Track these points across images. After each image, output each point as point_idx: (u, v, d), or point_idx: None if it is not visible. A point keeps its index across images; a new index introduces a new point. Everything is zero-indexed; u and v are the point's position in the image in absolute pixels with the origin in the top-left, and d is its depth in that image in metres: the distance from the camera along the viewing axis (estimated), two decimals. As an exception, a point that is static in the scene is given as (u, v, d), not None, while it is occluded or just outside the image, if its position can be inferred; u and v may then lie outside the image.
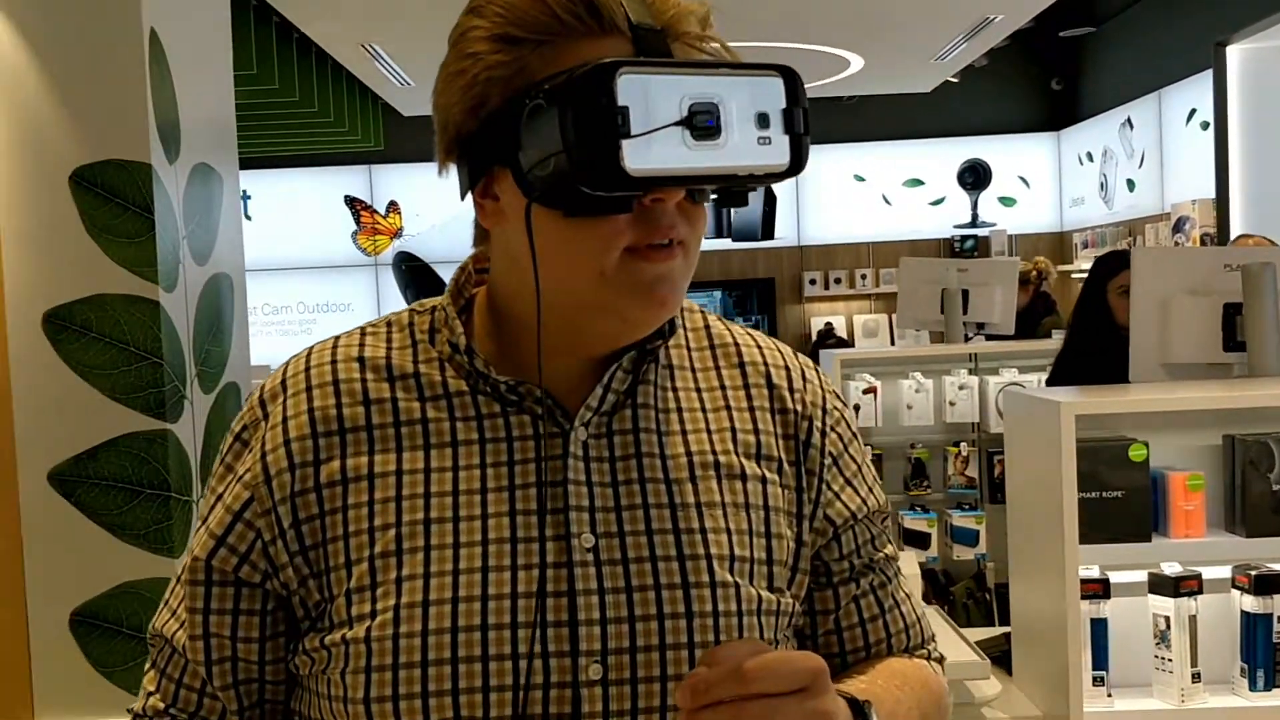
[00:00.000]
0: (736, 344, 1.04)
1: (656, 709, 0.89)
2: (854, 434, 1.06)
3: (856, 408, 4.52)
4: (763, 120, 0.85)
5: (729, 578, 0.92)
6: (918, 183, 9.97)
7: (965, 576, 4.34)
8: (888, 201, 9.98)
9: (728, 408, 0.99)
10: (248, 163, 8.53)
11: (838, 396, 1.06)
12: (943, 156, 9.90)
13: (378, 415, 0.93)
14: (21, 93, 4.01)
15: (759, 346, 1.05)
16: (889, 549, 1.06)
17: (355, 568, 0.89)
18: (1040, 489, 2.22)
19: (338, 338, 0.99)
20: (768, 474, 0.98)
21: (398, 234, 9.76)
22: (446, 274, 8.73)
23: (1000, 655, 2.53)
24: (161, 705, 0.98)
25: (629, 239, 0.87)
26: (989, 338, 5.02)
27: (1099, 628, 2.23)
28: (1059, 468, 2.13)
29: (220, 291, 4.51)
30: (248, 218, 9.29)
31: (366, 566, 0.89)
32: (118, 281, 4.01)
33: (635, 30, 0.87)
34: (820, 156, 9.83)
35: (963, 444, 4.49)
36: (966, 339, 4.90)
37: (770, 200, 10.15)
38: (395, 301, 9.76)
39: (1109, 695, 2.23)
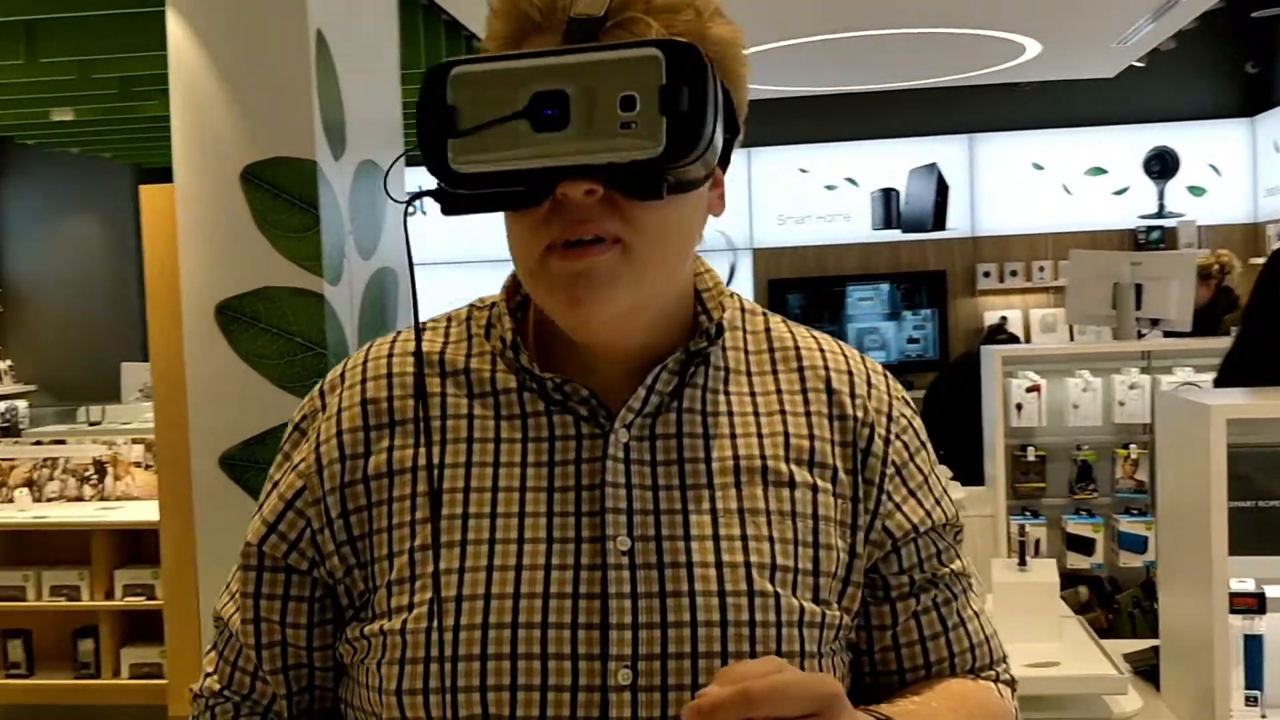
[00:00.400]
0: (797, 347, 1.00)
1: None
2: (923, 443, 1.01)
3: (1019, 406, 4.38)
4: (627, 103, 0.80)
5: (769, 587, 0.89)
6: (1100, 171, 9.59)
7: (1132, 584, 4.16)
8: (1068, 191, 9.62)
9: (782, 412, 0.96)
10: (420, 160, 8.77)
11: (907, 403, 1.02)
12: (1127, 144, 9.48)
13: (425, 411, 0.93)
14: (197, 94, 4.21)
15: (821, 350, 1.01)
16: (957, 564, 1.00)
17: (396, 560, 0.90)
18: (1190, 496, 2.11)
19: (399, 332, 0.99)
20: (820, 482, 0.94)
21: (567, 227, 9.91)
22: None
23: (1149, 669, 2.41)
24: (217, 686, 1.00)
25: (549, 236, 0.85)
26: (1166, 334, 4.80)
27: (1253, 644, 2.10)
28: (1208, 474, 2.02)
29: (384, 285, 4.65)
30: (423, 213, 9.54)
31: (406, 559, 0.89)
32: (285, 275, 4.17)
33: (570, 22, 0.84)
34: (995, 144, 9.55)
35: (1132, 446, 4.30)
36: (1140, 335, 4.69)
37: (942, 190, 9.91)
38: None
39: (1263, 716, 2.11)
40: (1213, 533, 2.01)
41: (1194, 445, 2.09)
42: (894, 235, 9.65)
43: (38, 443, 5.24)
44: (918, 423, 1.02)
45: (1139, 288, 4.65)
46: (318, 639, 0.96)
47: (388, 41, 5.02)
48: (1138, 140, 9.46)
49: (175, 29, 4.21)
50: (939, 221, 9.68)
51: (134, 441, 5.13)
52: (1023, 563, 2.36)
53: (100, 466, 4.99)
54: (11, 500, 4.83)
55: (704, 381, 0.95)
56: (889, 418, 0.98)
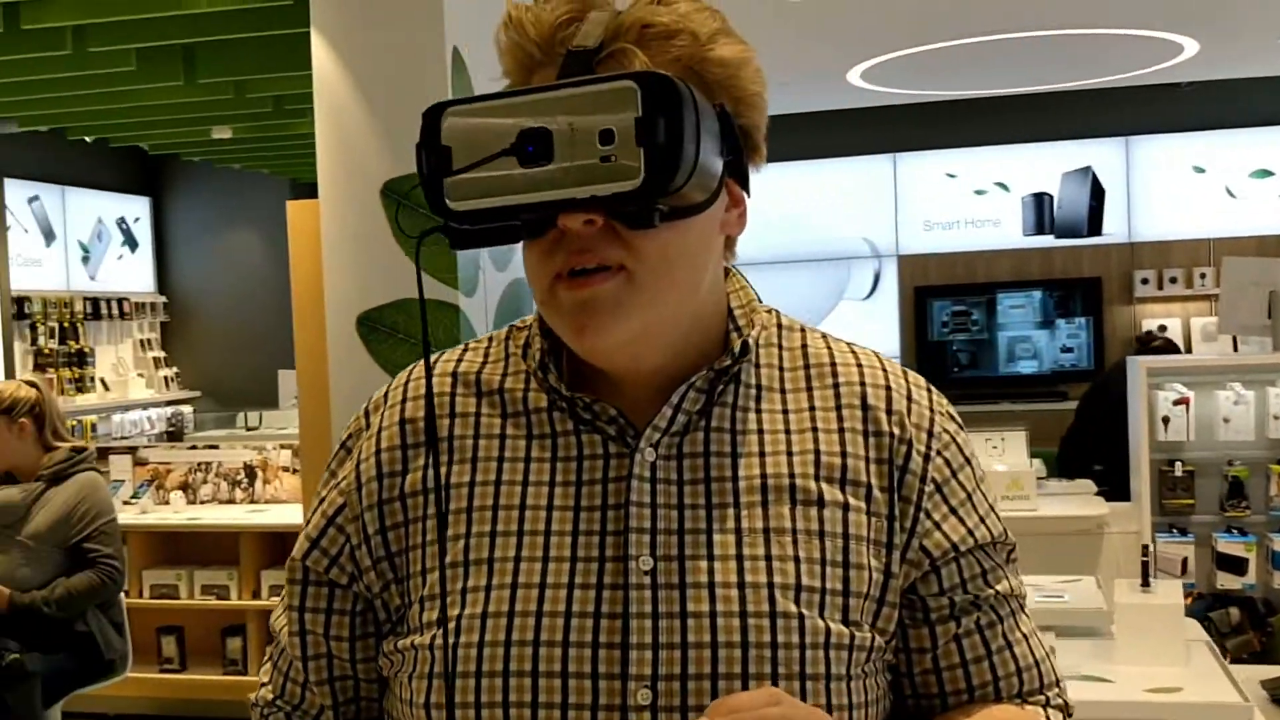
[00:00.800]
0: (833, 363, 0.98)
1: None
2: (966, 459, 0.98)
3: (1165, 420, 4.22)
4: (606, 137, 0.81)
5: (792, 608, 0.88)
6: (1266, 174, 9.17)
7: (1287, 606, 3.97)
8: (1231, 194, 9.23)
9: (814, 430, 0.94)
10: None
11: (952, 418, 0.99)
12: (1296, 145, 9.06)
13: (460, 428, 0.95)
14: (340, 112, 4.35)
15: (859, 365, 0.99)
16: (1005, 584, 0.97)
17: (428, 575, 0.92)
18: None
19: (443, 352, 1.02)
20: (851, 500, 0.92)
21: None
22: (751, 275, 8.81)
23: (1287, 698, 2.30)
24: (270, 696, 1.03)
25: (555, 266, 0.87)
26: (1328, 345, 4.56)
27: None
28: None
29: (520, 296, 4.73)
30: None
31: (437, 575, 0.91)
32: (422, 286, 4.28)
33: (567, 55, 0.86)
34: (1154, 146, 9.22)
35: (1288, 461, 4.10)
36: (1300, 346, 4.47)
37: (1097, 194, 9.61)
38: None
39: None
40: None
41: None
42: (1047, 241, 9.39)
43: (193, 447, 5.48)
44: (963, 438, 0.99)
45: (1299, 296, 4.43)
46: (360, 651, 0.98)
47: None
48: (1309, 140, 9.03)
49: (319, 50, 4.36)
50: (1094, 227, 9.39)
51: (282, 447, 5.32)
52: (1146, 583, 2.27)
53: (250, 471, 5.20)
54: (168, 502, 5.06)
55: (734, 400, 0.94)
56: (930, 433, 0.96)
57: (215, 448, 5.40)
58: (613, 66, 0.86)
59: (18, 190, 8.42)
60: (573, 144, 0.81)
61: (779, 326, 1.00)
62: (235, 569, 4.87)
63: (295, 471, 5.16)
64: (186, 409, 9.55)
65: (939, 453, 0.96)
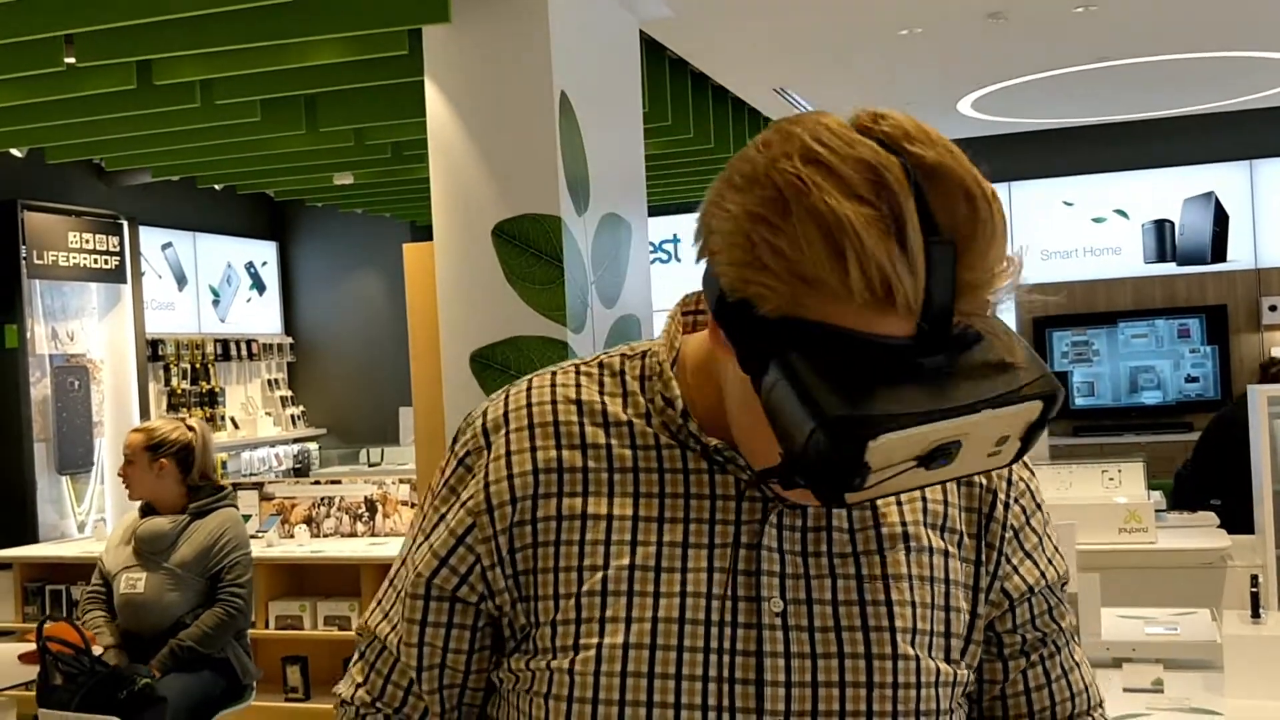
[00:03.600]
0: None
1: None
2: (1038, 505, 1.04)
3: (1289, 449, 4.11)
4: (1000, 441, 0.85)
5: (910, 650, 0.95)
6: (1400, 195, 8.86)
7: None
8: (1363, 217, 8.94)
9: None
10: (666, 209, 8.96)
11: (1026, 466, 1.04)
12: None
13: (593, 459, 0.98)
14: (453, 157, 4.49)
15: None
16: (1066, 619, 1.05)
17: (563, 601, 0.96)
18: None
19: (554, 374, 1.04)
20: (950, 547, 0.99)
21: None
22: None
23: None
24: (368, 698, 1.06)
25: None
26: None
27: None
28: None
29: (628, 332, 4.80)
30: (677, 259, 9.72)
31: (573, 602, 0.95)
32: (532, 324, 4.38)
33: (924, 320, 0.83)
34: (1278, 170, 8.96)
35: None
36: None
37: (1221, 219, 9.37)
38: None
39: None
40: None
41: None
42: (1169, 269, 9.19)
43: (316, 482, 5.66)
44: (1035, 484, 1.05)
45: None
46: (475, 664, 1.02)
47: (631, 96, 5.20)
48: None
49: (433, 97, 4.52)
50: (1219, 253, 9.16)
51: (401, 481, 5.46)
52: (1256, 615, 2.23)
53: (371, 505, 5.35)
54: (292, 536, 5.23)
55: None
56: (1009, 482, 1.03)
57: (338, 483, 5.57)
58: (961, 319, 0.85)
59: (152, 237, 8.79)
60: (972, 449, 0.85)
61: None
62: (357, 600, 5.00)
63: (413, 505, 5.30)
64: (312, 446, 9.85)
65: (1016, 500, 1.02)
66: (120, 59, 4.69)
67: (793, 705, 0.92)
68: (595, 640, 0.93)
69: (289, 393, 10.19)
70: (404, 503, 5.35)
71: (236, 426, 9.40)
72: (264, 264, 10.19)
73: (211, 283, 9.55)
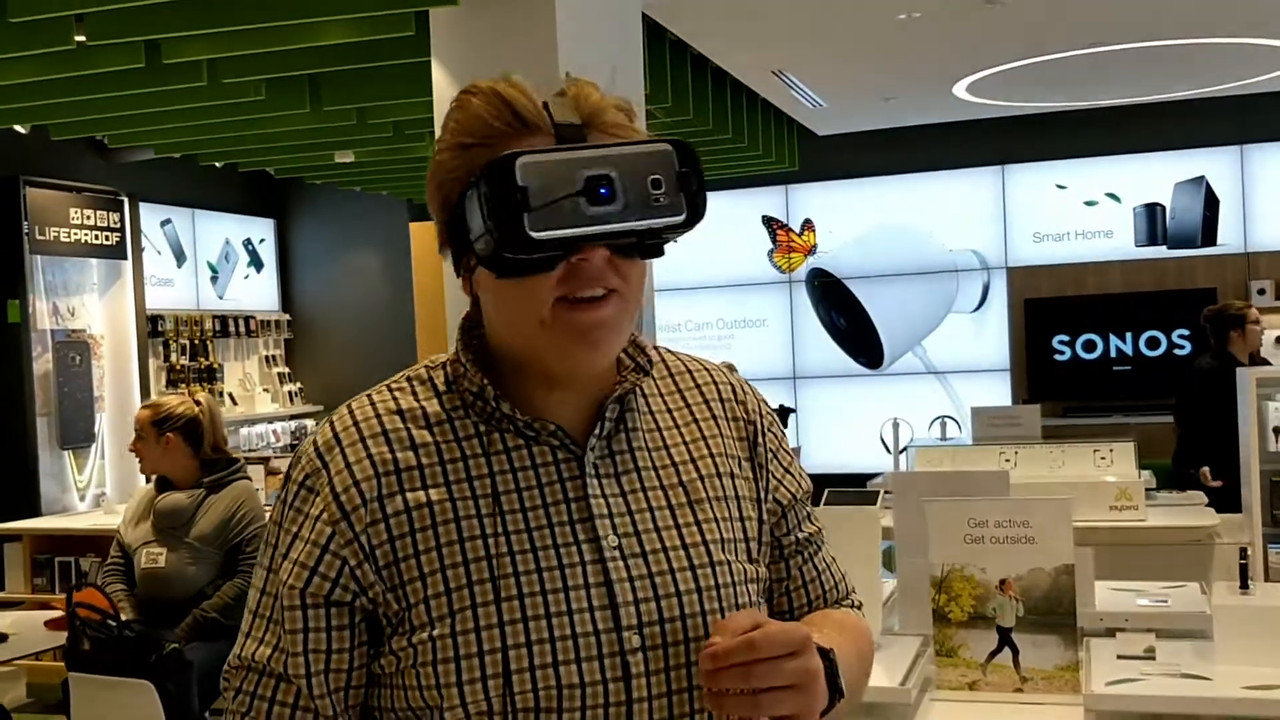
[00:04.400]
0: (689, 370, 1.26)
1: (684, 665, 1.10)
2: (782, 432, 1.29)
3: (1276, 430, 4.22)
4: (655, 184, 1.04)
5: (724, 557, 1.16)
6: (1388, 180, 8.97)
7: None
8: (1352, 202, 9.04)
9: (695, 421, 1.22)
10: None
11: (765, 403, 1.29)
12: None
13: (425, 456, 1.12)
14: (459, 137, 4.55)
15: (707, 369, 1.27)
16: (815, 524, 1.30)
17: (430, 579, 1.08)
18: None
19: (369, 395, 1.17)
20: (735, 469, 1.21)
21: (812, 251, 9.96)
22: (858, 288, 8.76)
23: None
24: None
25: (560, 292, 1.06)
26: None
27: None
28: None
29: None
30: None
31: (440, 577, 1.08)
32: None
33: (557, 127, 1.08)
34: (1269, 155, 9.06)
35: (1405, 472, 4.06)
36: None
37: (1211, 204, 9.47)
38: (808, 315, 9.97)
39: None
40: None
41: None
42: (1159, 252, 9.29)
43: (321, 458, 5.73)
44: (774, 416, 1.29)
45: None
46: (357, 659, 1.11)
47: (634, 79, 5.26)
48: None
49: (439, 78, 4.58)
50: (1208, 237, 9.26)
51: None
52: (1244, 586, 2.33)
53: (374, 480, 5.43)
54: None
55: (636, 405, 1.19)
56: (761, 415, 1.27)
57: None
58: (597, 137, 1.09)
59: (151, 214, 8.84)
60: (628, 189, 1.03)
61: (650, 347, 1.24)
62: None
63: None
64: (309, 422, 9.91)
65: (769, 429, 1.27)
66: (130, 38, 4.74)
67: (643, 617, 1.10)
68: (468, 603, 1.07)
69: (286, 369, 10.26)
70: (408, 478, 5.44)
71: (235, 402, 9.47)
72: (261, 241, 10.24)
73: (210, 259, 9.61)
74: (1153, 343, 9.24)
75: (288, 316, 10.40)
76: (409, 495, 1.10)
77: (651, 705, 1.09)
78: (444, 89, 4.58)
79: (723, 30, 6.23)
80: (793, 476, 1.27)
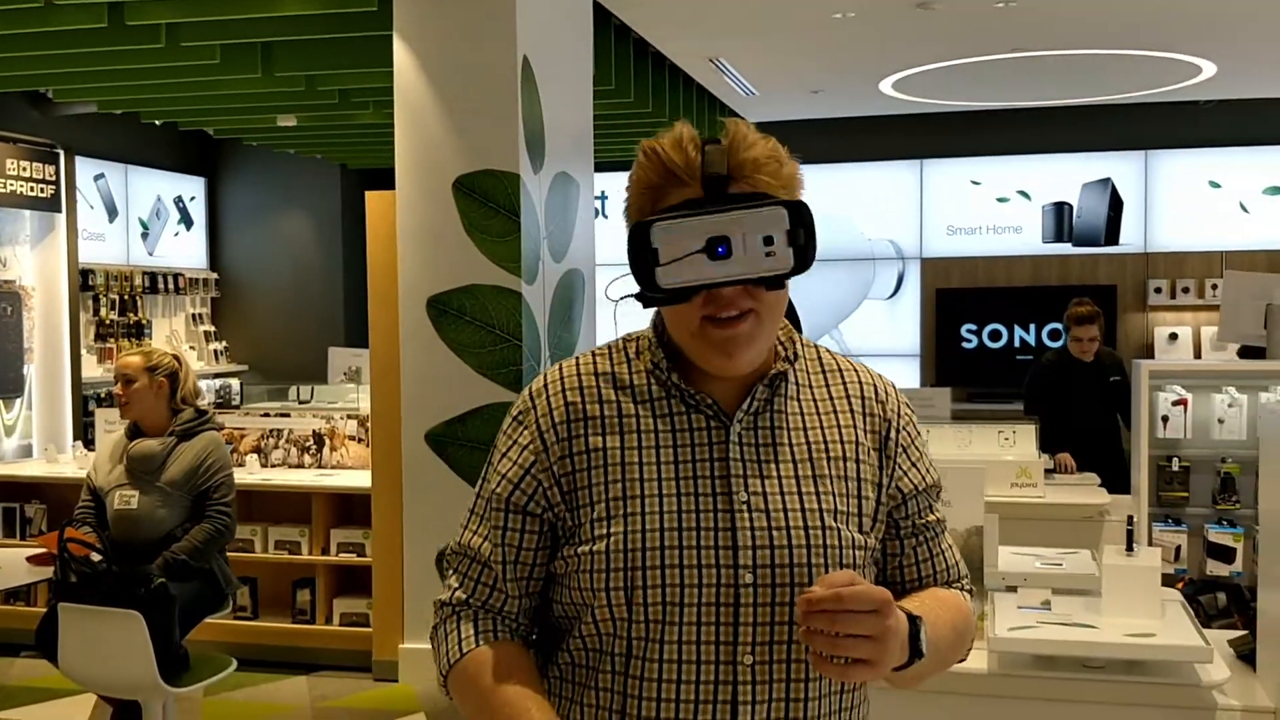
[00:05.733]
0: (840, 369, 1.52)
1: (786, 604, 1.35)
2: (917, 431, 1.53)
3: (1165, 419, 4.59)
4: (768, 240, 1.32)
5: (834, 524, 1.40)
6: (1279, 190, 9.51)
7: (1268, 592, 4.33)
8: (1245, 209, 9.57)
9: (835, 411, 1.47)
10: (605, 166, 9.25)
11: (907, 406, 1.53)
12: (1311, 163, 9.37)
13: (607, 410, 1.43)
14: (417, 112, 4.76)
15: (855, 370, 1.52)
16: (938, 513, 1.53)
17: (596, 506, 1.39)
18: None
19: (579, 356, 1.50)
20: (861, 456, 1.46)
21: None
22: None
23: (1249, 653, 2.69)
24: (463, 597, 1.46)
25: (705, 312, 1.36)
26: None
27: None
28: (1294, 477, 2.30)
29: (574, 285, 5.13)
30: (605, 216, 10.03)
31: (603, 506, 1.39)
32: (488, 274, 4.69)
33: (705, 180, 1.35)
34: (1171, 161, 9.55)
35: (1276, 461, 4.45)
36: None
37: (1115, 205, 9.96)
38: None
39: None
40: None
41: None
42: (1065, 249, 9.74)
43: (266, 414, 5.90)
44: (914, 417, 1.53)
45: (1293, 309, 4.79)
46: (540, 558, 1.44)
47: (583, 61, 5.50)
48: (1320, 160, 9.34)
49: (401, 54, 4.77)
50: (1111, 236, 9.73)
51: (349, 417, 5.73)
52: (1130, 549, 2.66)
53: (319, 438, 5.61)
54: (243, 465, 5.47)
55: (785, 391, 1.45)
56: (898, 415, 1.50)
57: (286, 416, 5.82)
58: (741, 187, 1.36)
59: (85, 168, 8.84)
60: (744, 246, 1.32)
61: (803, 344, 1.52)
62: (306, 527, 5.27)
63: (361, 440, 5.57)
64: (234, 381, 9.99)
65: (903, 428, 1.50)
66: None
67: (758, 560, 1.36)
68: (622, 528, 1.37)
69: (212, 328, 10.31)
70: (351, 437, 5.62)
71: (162, 359, 9.50)
72: (192, 199, 10.26)
73: (141, 215, 9.62)
74: (1055, 334, 9.69)
75: (215, 275, 10.44)
76: (590, 439, 1.41)
77: (755, 630, 1.35)
78: (405, 65, 4.76)
79: (665, 17, 6.46)
80: (918, 471, 1.50)
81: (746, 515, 1.36)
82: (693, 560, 1.35)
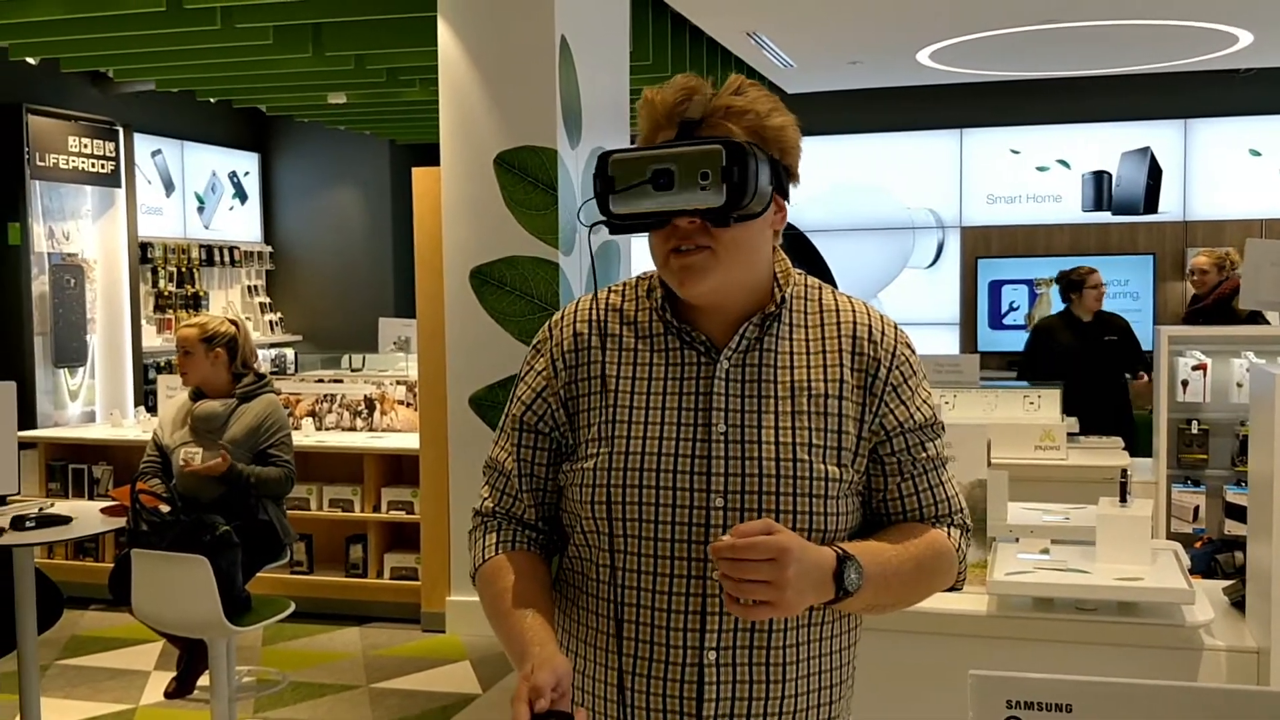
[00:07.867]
0: (837, 309, 1.58)
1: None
2: (914, 370, 1.58)
3: (1184, 383, 4.72)
4: (704, 176, 1.43)
5: (805, 457, 1.49)
6: (1320, 158, 9.52)
7: (1282, 550, 4.46)
8: (1286, 177, 9.60)
9: (824, 351, 1.55)
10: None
11: (908, 345, 1.58)
12: (1353, 130, 9.36)
13: (610, 344, 1.57)
14: (461, 90, 4.97)
15: (853, 310, 1.59)
16: (932, 449, 1.57)
17: (590, 428, 1.54)
18: (1271, 458, 2.55)
19: (597, 292, 1.61)
20: (845, 394, 1.53)
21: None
22: (820, 242, 9.13)
23: (1240, 600, 2.86)
24: (491, 506, 1.62)
25: (670, 245, 1.49)
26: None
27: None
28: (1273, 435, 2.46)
29: (609, 255, 5.33)
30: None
31: (596, 429, 1.53)
32: (527, 246, 4.91)
33: (681, 123, 1.48)
34: (1210, 130, 9.57)
35: (1293, 423, 4.57)
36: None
37: (1155, 173, 10.00)
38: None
39: (1318, 635, 2.53)
40: (1275, 485, 2.45)
41: (1273, 411, 2.53)
42: (1104, 217, 9.79)
43: (320, 381, 6.16)
44: (915, 359, 1.58)
45: (1316, 276, 4.88)
46: (551, 473, 1.59)
47: (620, 39, 5.68)
48: (1363, 126, 9.33)
49: (444, 35, 4.98)
50: (1151, 205, 9.77)
51: (398, 383, 5.98)
52: (1124, 500, 2.83)
53: (370, 403, 5.86)
54: (299, 428, 5.73)
55: (776, 331, 1.54)
56: (892, 355, 1.55)
57: (339, 382, 6.08)
58: (709, 131, 1.47)
59: (143, 144, 9.14)
60: (683, 179, 1.43)
61: (805, 285, 1.60)
62: (359, 486, 5.52)
63: (409, 405, 5.82)
64: (289, 351, 10.29)
65: (896, 368, 1.55)
66: (156, -16, 5.09)
67: (729, 486, 1.46)
68: (609, 449, 1.51)
69: (267, 299, 10.61)
70: (400, 402, 5.87)
71: (218, 329, 9.81)
72: (246, 174, 10.55)
73: (197, 190, 9.92)
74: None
75: (269, 248, 10.73)
76: (593, 368, 1.55)
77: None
78: (449, 46, 4.97)
79: (702, -7, 6.61)
80: (906, 409, 1.55)
81: (722, 445, 1.47)
82: (668, 483, 1.47)
